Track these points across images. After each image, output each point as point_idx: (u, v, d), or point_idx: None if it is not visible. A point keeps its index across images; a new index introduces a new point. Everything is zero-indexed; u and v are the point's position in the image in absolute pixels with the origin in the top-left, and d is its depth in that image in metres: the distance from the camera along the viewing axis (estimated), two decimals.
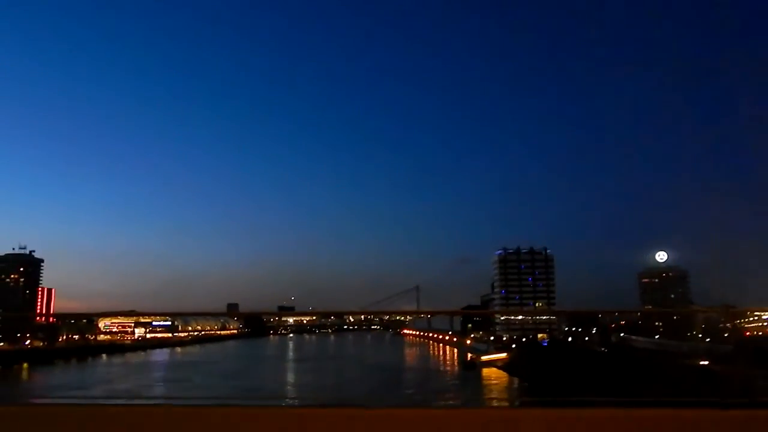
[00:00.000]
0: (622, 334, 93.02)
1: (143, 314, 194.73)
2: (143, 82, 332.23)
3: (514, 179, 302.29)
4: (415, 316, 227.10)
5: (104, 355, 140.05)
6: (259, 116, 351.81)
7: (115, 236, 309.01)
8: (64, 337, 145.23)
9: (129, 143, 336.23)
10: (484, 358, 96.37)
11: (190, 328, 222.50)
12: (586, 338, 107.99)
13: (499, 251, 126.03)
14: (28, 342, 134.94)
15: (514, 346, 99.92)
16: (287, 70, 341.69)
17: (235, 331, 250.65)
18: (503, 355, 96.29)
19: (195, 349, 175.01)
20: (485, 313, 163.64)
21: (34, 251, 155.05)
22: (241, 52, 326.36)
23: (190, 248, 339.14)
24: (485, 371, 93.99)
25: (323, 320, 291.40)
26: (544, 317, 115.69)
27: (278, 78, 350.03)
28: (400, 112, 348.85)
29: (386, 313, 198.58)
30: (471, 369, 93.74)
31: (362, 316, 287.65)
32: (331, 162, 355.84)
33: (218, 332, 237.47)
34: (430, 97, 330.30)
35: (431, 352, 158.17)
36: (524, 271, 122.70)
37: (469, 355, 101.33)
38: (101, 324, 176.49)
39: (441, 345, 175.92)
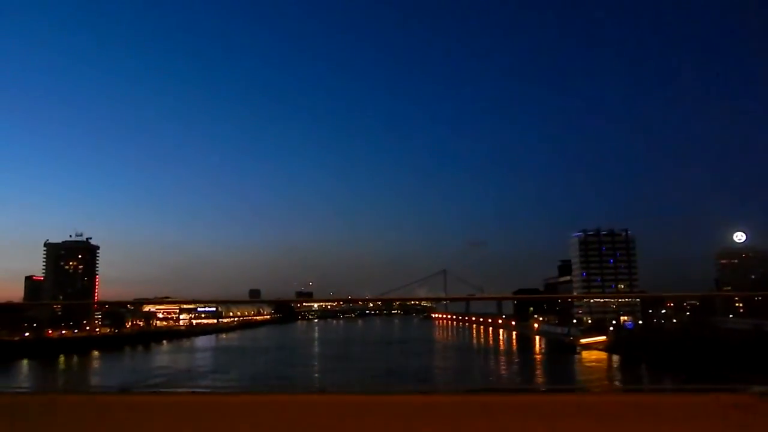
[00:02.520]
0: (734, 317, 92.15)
1: (186, 302, 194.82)
2: (164, 73, 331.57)
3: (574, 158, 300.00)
4: (443, 300, 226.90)
5: (164, 342, 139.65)
6: (276, 103, 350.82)
7: (133, 223, 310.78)
8: (129, 324, 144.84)
9: (147, 132, 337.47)
10: (584, 341, 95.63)
11: (231, 314, 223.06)
12: (674, 320, 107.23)
13: (578, 233, 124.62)
14: (98, 329, 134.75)
15: (612, 328, 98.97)
16: (303, 59, 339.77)
17: (269, 317, 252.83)
18: (602, 337, 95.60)
19: (248, 334, 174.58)
20: (539, 298, 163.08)
21: (90, 238, 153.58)
22: (259, 45, 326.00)
23: (205, 234, 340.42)
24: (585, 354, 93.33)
25: (344, 306, 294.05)
26: (626, 300, 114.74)
27: (294, 66, 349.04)
28: (421, 97, 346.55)
29: (435, 299, 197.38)
30: (571, 352, 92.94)
31: (380, 302, 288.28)
32: (347, 147, 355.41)
33: (255, 318, 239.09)
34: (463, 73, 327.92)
35: (487, 335, 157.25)
36: (605, 253, 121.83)
37: (570, 338, 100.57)
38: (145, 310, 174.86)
39: (491, 329, 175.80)
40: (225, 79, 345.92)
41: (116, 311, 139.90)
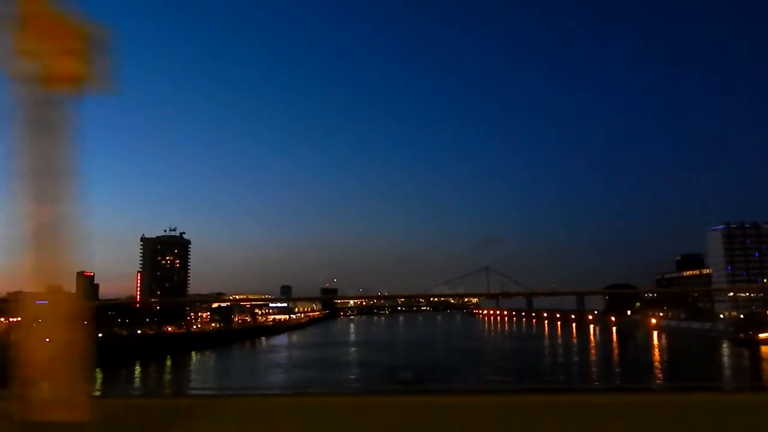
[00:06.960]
0: None
1: (263, 299, 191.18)
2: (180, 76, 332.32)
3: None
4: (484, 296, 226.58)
5: (263, 338, 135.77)
6: (305, 105, 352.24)
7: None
8: (238, 320, 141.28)
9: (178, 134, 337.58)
10: (762, 335, 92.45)
11: (296, 310, 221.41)
12: None
13: (721, 226, 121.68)
14: (214, 324, 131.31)
15: None
16: (327, 60, 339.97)
17: (318, 313, 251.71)
18: None
19: (318, 330, 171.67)
20: (628, 293, 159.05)
21: (184, 233, 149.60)
22: (286, 49, 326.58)
23: (225, 230, 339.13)
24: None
25: (373, 302, 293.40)
26: None
27: (320, 68, 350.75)
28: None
29: (513, 294, 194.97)
30: (748, 346, 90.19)
31: (402, 300, 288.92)
32: (383, 148, 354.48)
33: (311, 314, 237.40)
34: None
35: (569, 332, 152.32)
36: (750, 246, 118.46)
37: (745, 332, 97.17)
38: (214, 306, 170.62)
39: (574, 325, 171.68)
40: (251, 83, 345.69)
41: (226, 307, 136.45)
